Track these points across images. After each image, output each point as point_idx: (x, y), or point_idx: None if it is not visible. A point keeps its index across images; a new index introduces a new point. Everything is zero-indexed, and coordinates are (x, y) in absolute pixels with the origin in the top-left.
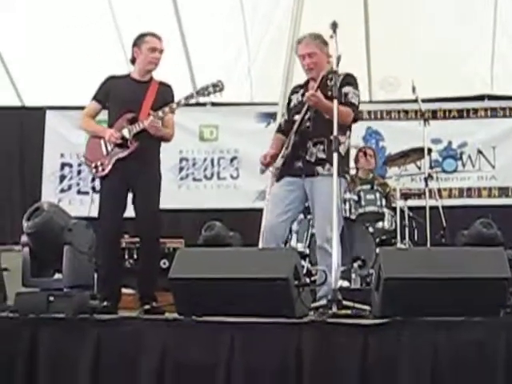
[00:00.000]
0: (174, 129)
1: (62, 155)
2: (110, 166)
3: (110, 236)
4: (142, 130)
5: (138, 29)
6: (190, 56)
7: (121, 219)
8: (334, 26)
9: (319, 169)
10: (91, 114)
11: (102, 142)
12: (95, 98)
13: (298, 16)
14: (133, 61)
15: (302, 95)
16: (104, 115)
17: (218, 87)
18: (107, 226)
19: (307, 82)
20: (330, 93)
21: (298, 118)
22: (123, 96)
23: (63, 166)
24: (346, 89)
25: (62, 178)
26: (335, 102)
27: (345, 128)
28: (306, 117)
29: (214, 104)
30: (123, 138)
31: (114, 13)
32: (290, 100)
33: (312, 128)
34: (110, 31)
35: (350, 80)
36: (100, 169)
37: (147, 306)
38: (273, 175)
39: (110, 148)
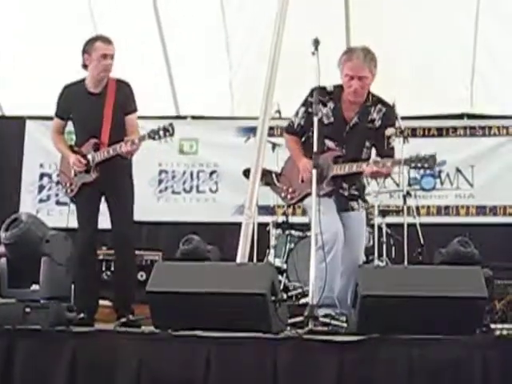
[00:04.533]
0: (139, 131)
1: (41, 165)
2: (76, 189)
3: (84, 248)
4: (105, 159)
5: (120, 39)
6: (170, 68)
7: (94, 233)
8: (316, 42)
9: (354, 204)
10: (58, 129)
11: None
12: (56, 114)
13: (280, 30)
14: (85, 66)
15: (334, 115)
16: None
17: (168, 132)
18: (81, 238)
19: (339, 93)
20: (369, 125)
21: (331, 145)
22: (82, 117)
23: (42, 176)
24: (389, 131)
25: (41, 188)
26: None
27: None
28: (357, 170)
29: (194, 117)
30: (88, 163)
31: (95, 22)
32: (316, 102)
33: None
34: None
35: (392, 120)
36: (69, 190)
37: (123, 319)
38: (284, 196)
39: (77, 171)
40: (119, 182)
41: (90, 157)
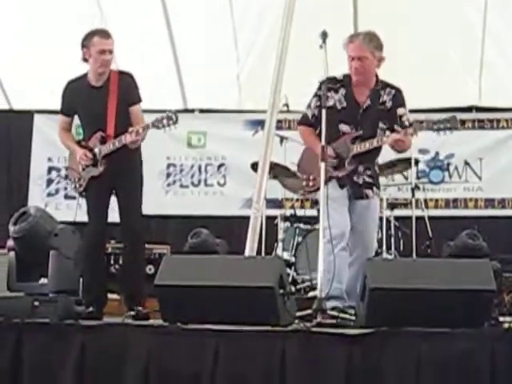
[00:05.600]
0: (144, 120)
1: (49, 159)
2: (85, 184)
3: (93, 241)
4: (111, 151)
5: (128, 33)
6: (178, 61)
7: (104, 227)
8: (324, 35)
9: (368, 192)
10: (65, 127)
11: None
12: (61, 111)
13: (288, 23)
14: (85, 60)
15: (347, 99)
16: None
17: (171, 120)
18: (91, 232)
19: (349, 80)
20: (381, 107)
21: (345, 128)
22: (86, 112)
23: (50, 169)
24: (401, 110)
25: (50, 182)
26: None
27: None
28: (378, 145)
29: (202, 111)
30: (95, 156)
31: (104, 16)
32: (324, 94)
33: (366, 154)
34: None
35: (402, 100)
36: (78, 185)
37: (132, 312)
38: (306, 184)
39: (84, 166)
40: (128, 176)
41: (96, 150)
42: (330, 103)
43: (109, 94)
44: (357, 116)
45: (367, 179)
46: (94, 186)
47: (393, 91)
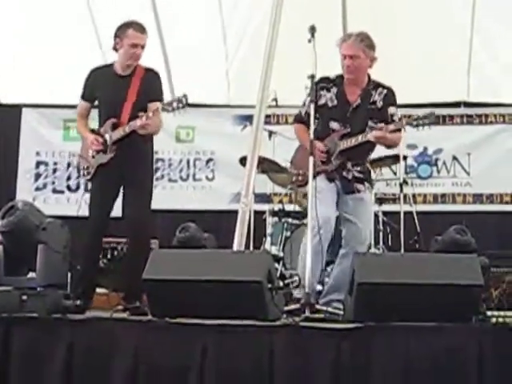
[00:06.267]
0: (160, 117)
1: (37, 153)
2: (93, 171)
3: (94, 235)
4: (122, 137)
5: (116, 26)
6: (167, 56)
7: (105, 220)
8: (313, 30)
9: (359, 186)
10: (83, 113)
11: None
12: (82, 96)
13: (276, 18)
14: (115, 49)
15: (338, 98)
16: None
17: (181, 103)
18: (91, 226)
19: (341, 80)
20: (372, 106)
21: (335, 126)
22: (106, 97)
23: (38, 164)
24: (391, 109)
25: (38, 176)
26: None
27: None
28: (362, 140)
29: (190, 105)
30: (105, 143)
31: (91, 11)
32: (317, 94)
33: (354, 150)
34: (88, 30)
35: (393, 99)
36: (86, 172)
37: (120, 307)
38: (296, 179)
39: (94, 153)
40: (138, 165)
41: (107, 136)
42: (322, 101)
43: (130, 85)
44: (346, 113)
45: (357, 174)
46: (101, 174)
47: (384, 91)
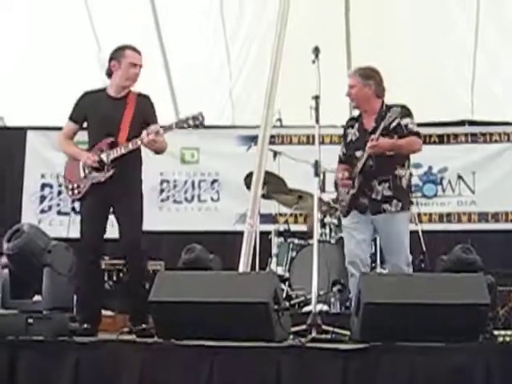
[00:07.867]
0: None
1: (42, 176)
2: (85, 189)
3: (88, 257)
4: (122, 155)
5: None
6: (171, 76)
7: (100, 240)
8: (316, 50)
9: (386, 206)
10: (69, 134)
11: (80, 164)
12: (71, 117)
13: (281, 38)
14: (109, 74)
15: (359, 130)
16: (84, 136)
17: (197, 120)
18: (86, 247)
19: (360, 115)
20: (387, 124)
21: (359, 154)
22: (100, 117)
23: (44, 186)
24: (404, 121)
25: (43, 198)
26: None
27: (403, 160)
28: (366, 156)
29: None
30: (101, 161)
31: (95, 33)
32: (345, 134)
33: (376, 167)
34: (92, 52)
35: (406, 112)
36: (76, 191)
37: (126, 329)
38: (339, 210)
39: (87, 171)
40: (130, 187)
41: (104, 155)
42: (349, 138)
43: (126, 106)
44: (364, 140)
45: (386, 193)
46: (94, 193)
47: (398, 108)
